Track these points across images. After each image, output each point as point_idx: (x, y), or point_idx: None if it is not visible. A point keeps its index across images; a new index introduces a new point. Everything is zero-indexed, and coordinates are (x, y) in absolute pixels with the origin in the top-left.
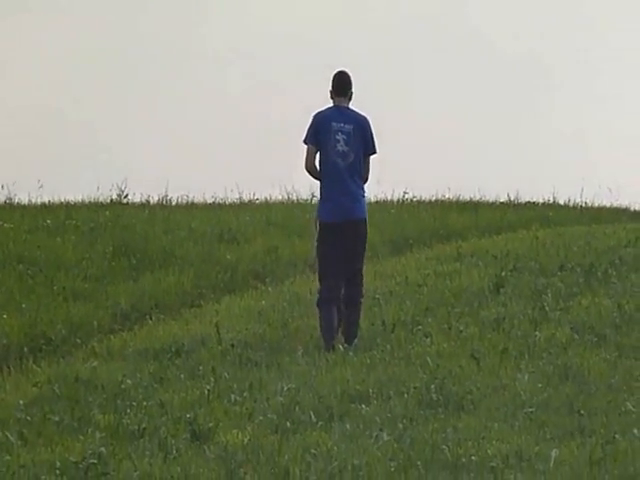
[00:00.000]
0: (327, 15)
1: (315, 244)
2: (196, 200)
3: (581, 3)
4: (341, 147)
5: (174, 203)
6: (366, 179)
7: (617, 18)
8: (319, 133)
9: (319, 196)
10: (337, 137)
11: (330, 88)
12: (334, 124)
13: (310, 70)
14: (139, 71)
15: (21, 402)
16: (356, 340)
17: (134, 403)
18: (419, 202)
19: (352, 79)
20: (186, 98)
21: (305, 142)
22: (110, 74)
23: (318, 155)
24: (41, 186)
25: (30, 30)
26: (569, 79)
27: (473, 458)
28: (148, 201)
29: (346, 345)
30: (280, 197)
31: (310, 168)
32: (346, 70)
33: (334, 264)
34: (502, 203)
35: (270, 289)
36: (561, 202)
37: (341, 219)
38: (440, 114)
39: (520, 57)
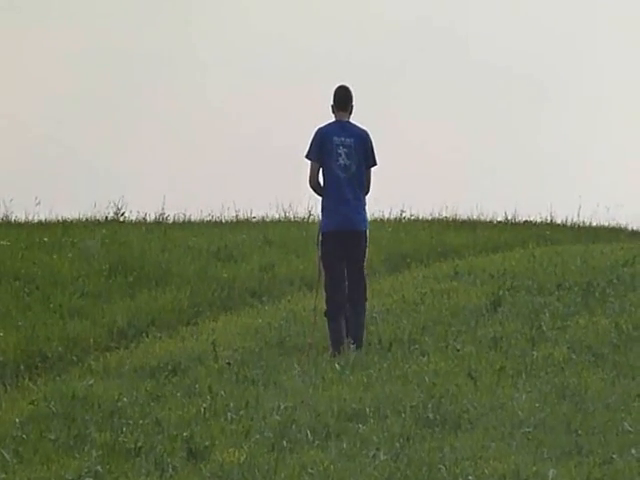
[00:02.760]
0: (320, 30)
1: (319, 256)
2: (193, 218)
3: (575, 24)
4: (343, 160)
5: (171, 221)
6: (368, 190)
7: (613, 35)
8: (322, 148)
9: (320, 208)
10: (339, 151)
11: (331, 103)
12: (335, 138)
13: (309, 88)
14: (136, 88)
15: (17, 420)
16: (363, 340)
17: (130, 421)
18: (416, 220)
19: (353, 94)
20: (183, 116)
21: (308, 157)
22: (108, 91)
23: (321, 169)
24: (38, 203)
25: (25, 44)
26: (566, 98)
27: (470, 478)
28: (145, 218)
29: (354, 347)
30: (277, 215)
31: (314, 185)
32: (347, 85)
33: (338, 273)
34: (499, 222)
35: (267, 307)
36: (558, 221)
37: (342, 229)
38: (438, 133)
39: (517, 77)
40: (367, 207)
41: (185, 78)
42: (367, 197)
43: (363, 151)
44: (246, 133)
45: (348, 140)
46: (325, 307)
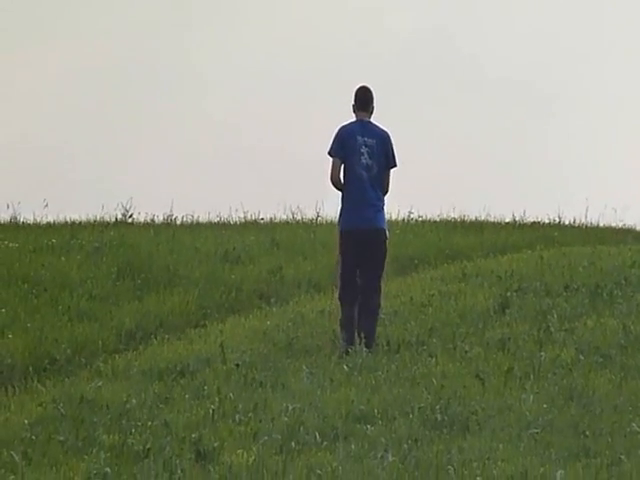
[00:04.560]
0: (328, 38)
1: (337, 254)
2: (201, 220)
3: (580, 35)
4: (365, 160)
5: (179, 223)
6: (387, 191)
7: (618, 42)
8: (344, 146)
9: (341, 206)
10: (362, 150)
11: (353, 103)
12: (359, 138)
13: (315, 92)
14: (145, 92)
15: (26, 422)
16: (375, 342)
17: (139, 423)
18: (424, 222)
19: (373, 94)
20: (191, 118)
21: (330, 154)
22: (116, 94)
23: (342, 167)
24: (46, 205)
25: (37, 53)
26: (574, 102)
27: (478, 479)
28: (153, 220)
29: (366, 349)
30: (285, 217)
31: (335, 180)
32: (368, 85)
33: (354, 271)
34: (507, 223)
35: (274, 309)
36: (566, 222)
37: (362, 227)
38: (446, 134)
39: (528, 78)
40: (385, 208)
41: (193, 81)
42: (386, 197)
43: (384, 152)
44: (254, 135)
45: (370, 140)
46: (338, 293)
